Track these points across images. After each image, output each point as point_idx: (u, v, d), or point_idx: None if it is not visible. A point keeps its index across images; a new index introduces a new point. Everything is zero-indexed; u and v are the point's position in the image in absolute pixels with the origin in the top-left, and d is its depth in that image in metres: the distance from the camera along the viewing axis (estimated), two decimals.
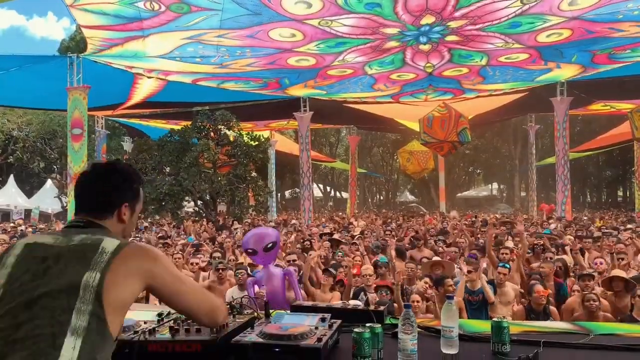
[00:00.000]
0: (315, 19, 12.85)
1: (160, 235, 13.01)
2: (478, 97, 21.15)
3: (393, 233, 12.29)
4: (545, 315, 5.37)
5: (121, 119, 24.32)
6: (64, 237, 1.59)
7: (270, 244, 5.15)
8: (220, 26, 12.76)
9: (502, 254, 7.43)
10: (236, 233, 12.74)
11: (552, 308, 5.51)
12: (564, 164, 18.81)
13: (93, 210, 1.73)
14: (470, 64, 17.52)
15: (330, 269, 6.14)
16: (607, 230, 12.08)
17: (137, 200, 1.84)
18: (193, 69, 16.37)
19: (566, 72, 18.01)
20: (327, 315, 2.28)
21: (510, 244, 9.12)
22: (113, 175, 1.79)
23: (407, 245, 10.19)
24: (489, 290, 5.91)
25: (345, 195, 44.23)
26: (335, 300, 5.71)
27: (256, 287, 5.12)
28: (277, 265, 5.67)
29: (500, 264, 6.57)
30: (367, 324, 2.05)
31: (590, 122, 36.41)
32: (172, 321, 2.29)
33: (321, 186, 51.97)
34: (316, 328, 2.10)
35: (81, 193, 1.78)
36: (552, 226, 13.99)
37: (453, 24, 13.63)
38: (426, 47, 15.48)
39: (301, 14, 12.48)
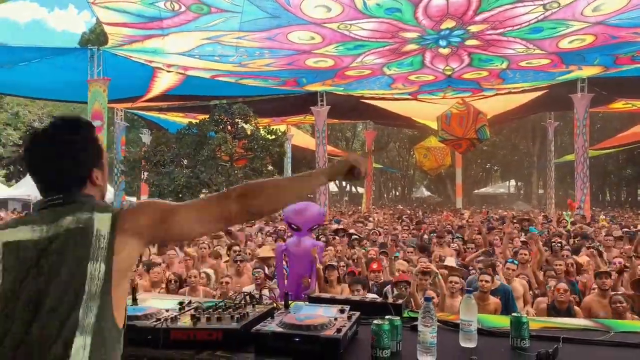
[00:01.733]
0: (335, 23, 12.83)
1: None
2: (497, 94, 20.94)
3: (411, 227, 12.28)
4: (569, 315, 5.28)
5: (140, 112, 24.52)
6: (46, 226, 1.40)
7: (316, 226, 5.38)
8: (240, 28, 12.80)
9: (521, 254, 7.38)
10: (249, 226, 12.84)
11: (577, 308, 5.40)
12: (584, 162, 18.55)
13: (66, 186, 1.49)
14: (490, 67, 17.38)
15: (333, 264, 6.17)
16: (628, 230, 11.84)
17: (103, 156, 1.60)
18: (212, 66, 16.47)
19: (587, 72, 17.77)
20: (346, 307, 2.30)
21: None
22: (76, 140, 1.52)
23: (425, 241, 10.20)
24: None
25: (360, 190, 44.14)
26: (345, 293, 5.77)
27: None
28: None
29: (509, 260, 6.55)
30: (387, 317, 2.07)
31: (610, 120, 35.90)
32: (194, 309, 2.33)
33: (337, 181, 51.97)
34: (335, 319, 2.12)
35: (43, 172, 1.51)
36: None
37: (473, 29, 13.50)
38: (446, 51, 15.38)
39: (320, 18, 12.46)
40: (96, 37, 33.83)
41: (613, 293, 5.26)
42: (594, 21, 12.71)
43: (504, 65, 17.09)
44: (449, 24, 13.03)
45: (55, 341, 1.29)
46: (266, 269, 6.68)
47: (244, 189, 1.55)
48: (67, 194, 1.47)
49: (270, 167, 20.03)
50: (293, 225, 5.67)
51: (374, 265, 6.67)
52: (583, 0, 11.49)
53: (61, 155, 1.49)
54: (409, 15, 12.36)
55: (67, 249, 1.36)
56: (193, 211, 1.52)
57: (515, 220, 14.36)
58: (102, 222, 1.39)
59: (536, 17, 12.55)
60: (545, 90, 19.99)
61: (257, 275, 6.13)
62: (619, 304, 4.91)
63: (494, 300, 5.52)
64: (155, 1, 11.17)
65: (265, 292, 5.12)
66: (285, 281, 5.80)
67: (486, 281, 5.54)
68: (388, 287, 5.82)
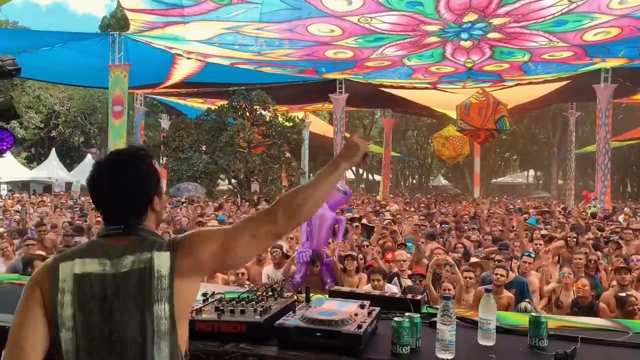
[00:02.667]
0: (355, 16, 12.74)
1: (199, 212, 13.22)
2: (518, 84, 20.69)
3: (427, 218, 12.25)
4: (592, 312, 5.16)
5: (159, 97, 24.71)
6: (111, 261, 1.47)
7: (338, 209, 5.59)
8: (260, 19, 12.82)
9: (536, 244, 7.35)
10: None
11: (602, 305, 5.28)
12: (605, 153, 18.28)
13: (128, 217, 1.56)
14: (511, 60, 17.17)
15: (353, 254, 6.20)
16: None
17: (160, 183, 1.68)
18: (231, 54, 16.54)
19: (611, 63, 17.46)
20: (367, 303, 2.34)
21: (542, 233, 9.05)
22: (141, 171, 1.60)
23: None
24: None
25: (377, 177, 44.09)
26: (362, 282, 5.83)
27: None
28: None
29: (526, 253, 6.51)
30: (407, 314, 2.11)
31: (633, 110, 35.18)
32: (217, 301, 2.39)
33: (354, 168, 51.89)
34: (356, 315, 2.16)
35: (110, 201, 1.57)
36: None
37: (496, 22, 13.34)
38: (467, 44, 15.24)
39: (341, 11, 12.39)
40: (117, 21, 33.99)
41: (627, 293, 5.19)
42: (620, 14, 12.47)
43: (526, 58, 16.88)
44: (471, 17, 12.88)
45: None
46: (284, 248, 6.74)
47: (286, 201, 1.60)
48: (127, 224, 1.54)
49: (287, 154, 20.08)
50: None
51: (388, 256, 6.69)
52: None
53: (127, 186, 1.56)
54: (430, 9, 12.25)
55: (133, 290, 1.45)
56: (247, 236, 1.57)
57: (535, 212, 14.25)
58: (161, 263, 1.47)
59: (560, 10, 12.34)
60: (568, 81, 19.69)
61: (275, 255, 6.24)
62: (634, 306, 4.82)
63: (507, 295, 5.50)
64: None
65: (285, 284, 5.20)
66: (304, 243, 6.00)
67: (501, 275, 5.53)
68: (395, 279, 5.84)
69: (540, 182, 51.01)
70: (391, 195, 29.67)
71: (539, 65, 17.78)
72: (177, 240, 1.54)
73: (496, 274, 5.53)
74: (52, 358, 1.47)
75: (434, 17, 12.86)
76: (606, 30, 13.77)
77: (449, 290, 5.35)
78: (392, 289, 5.31)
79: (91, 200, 1.64)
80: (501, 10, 12.49)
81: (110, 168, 1.59)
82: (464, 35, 14.51)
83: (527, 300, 5.16)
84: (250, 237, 1.56)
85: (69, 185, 29.00)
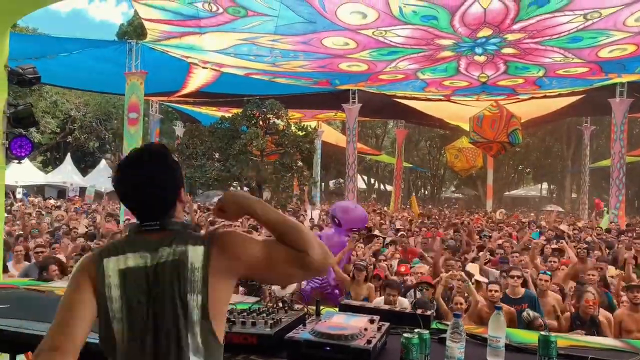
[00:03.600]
0: (370, 29, 12.80)
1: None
2: (532, 98, 20.62)
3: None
4: (593, 325, 5.23)
5: (174, 104, 24.94)
6: (150, 255, 1.57)
7: (356, 230, 5.81)
8: (275, 31, 12.89)
9: (550, 262, 7.30)
10: None
11: (602, 319, 5.30)
12: (620, 168, 18.08)
13: (161, 210, 1.64)
14: (526, 75, 17.13)
15: (361, 263, 6.21)
16: None
17: (182, 174, 1.77)
18: (246, 64, 16.66)
19: (627, 78, 17.36)
20: (376, 317, 2.36)
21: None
22: (166, 167, 1.68)
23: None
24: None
25: (389, 188, 43.96)
26: (370, 292, 5.85)
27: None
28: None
29: (542, 272, 6.45)
30: (416, 330, 2.12)
31: None
32: (228, 312, 2.42)
33: (365, 178, 51.84)
34: (365, 330, 2.18)
35: (143, 196, 1.64)
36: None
37: (510, 37, 13.29)
38: (481, 58, 15.21)
39: (356, 24, 12.45)
40: (133, 29, 34.47)
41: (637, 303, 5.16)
42: (636, 31, 12.38)
43: (541, 73, 16.83)
44: (485, 32, 12.87)
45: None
46: None
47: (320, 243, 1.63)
48: (161, 219, 1.63)
49: (300, 163, 20.14)
50: (336, 220, 5.81)
51: (402, 269, 6.70)
52: (626, 10, 11.19)
53: (155, 182, 1.64)
54: (445, 23, 12.25)
55: (169, 280, 1.54)
56: (285, 256, 1.59)
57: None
58: (195, 256, 1.56)
59: (576, 27, 12.28)
60: (583, 95, 19.58)
61: None
62: None
63: (508, 310, 5.48)
64: (194, 1, 11.36)
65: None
66: None
67: (495, 291, 5.53)
68: (411, 291, 5.86)
69: (554, 195, 50.57)
70: (403, 206, 29.56)
71: (554, 80, 17.71)
72: (213, 236, 1.62)
73: (490, 291, 5.54)
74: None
75: (448, 32, 12.86)
76: (622, 47, 13.69)
77: (460, 304, 5.34)
78: (405, 303, 5.31)
79: (120, 200, 1.70)
80: (516, 26, 12.45)
81: (139, 168, 1.65)
82: (478, 50, 14.49)
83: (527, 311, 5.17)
84: (287, 258, 1.57)
85: (83, 190, 29.31)
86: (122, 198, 1.66)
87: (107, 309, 1.53)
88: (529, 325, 4.90)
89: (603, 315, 5.46)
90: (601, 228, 14.93)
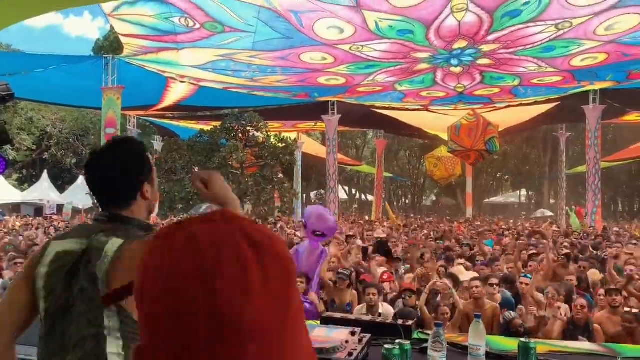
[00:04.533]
0: (347, 44, 12.92)
1: None
2: (508, 106, 20.97)
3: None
4: (587, 332, 5.13)
5: (152, 119, 24.76)
6: (85, 240, 1.57)
7: (320, 233, 5.71)
8: (253, 47, 12.95)
9: (530, 266, 7.37)
10: None
11: (596, 326, 5.24)
12: (595, 174, 18.44)
13: (117, 202, 1.65)
14: (501, 84, 17.45)
15: (344, 272, 6.20)
16: None
17: (153, 171, 1.75)
18: (224, 79, 16.66)
19: (600, 86, 17.78)
20: (357, 329, 2.35)
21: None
22: (129, 158, 1.67)
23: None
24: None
25: (370, 198, 44.13)
26: (353, 298, 5.86)
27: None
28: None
29: (522, 275, 6.53)
30: (397, 340, 2.12)
31: (622, 130, 35.60)
32: None
33: (346, 188, 51.98)
34: (347, 342, 2.17)
35: (100, 186, 1.66)
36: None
37: (485, 48, 13.57)
38: (457, 70, 15.46)
39: (333, 39, 12.56)
40: (110, 44, 34.22)
41: (626, 310, 5.19)
42: (606, 40, 12.71)
43: (516, 83, 17.16)
44: (460, 44, 13.09)
45: (92, 342, 1.47)
46: None
47: None
48: (115, 211, 1.64)
49: (280, 175, 20.13)
50: (318, 232, 5.75)
51: (385, 276, 6.70)
52: (595, 19, 11.50)
53: (112, 174, 1.64)
54: (420, 37, 12.43)
55: (86, 265, 1.52)
56: None
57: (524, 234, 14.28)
58: (111, 245, 1.52)
59: (548, 37, 12.56)
60: (557, 102, 19.97)
61: None
62: (629, 324, 4.84)
63: (491, 305, 5.57)
64: (170, 16, 11.33)
65: None
66: None
67: (476, 287, 5.61)
68: (399, 300, 5.87)
69: (533, 201, 51.27)
70: (384, 217, 29.66)
71: (529, 89, 18.07)
72: (136, 239, 1.55)
73: (471, 287, 5.62)
74: None
75: (424, 45, 13.04)
76: (593, 55, 14.02)
77: (447, 314, 5.35)
78: (390, 310, 5.32)
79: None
80: (490, 37, 12.69)
81: (100, 158, 1.67)
82: (454, 62, 14.72)
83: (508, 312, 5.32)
84: None
85: (60, 207, 28.85)
86: (89, 187, 1.68)
87: (35, 285, 1.55)
88: (510, 323, 5.09)
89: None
90: (578, 232, 15.15)
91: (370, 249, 9.37)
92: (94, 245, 1.54)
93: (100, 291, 1.47)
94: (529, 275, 6.54)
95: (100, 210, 1.68)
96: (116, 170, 1.63)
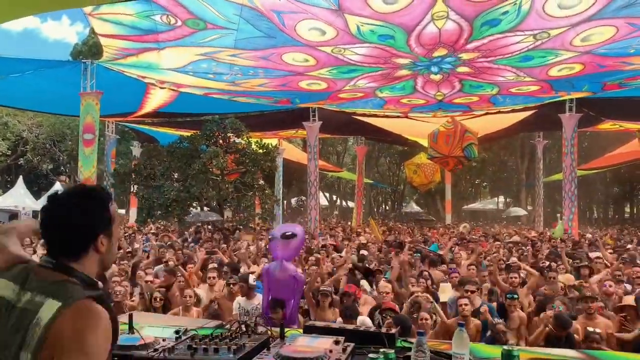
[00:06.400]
0: (329, 47, 12.96)
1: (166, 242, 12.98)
2: (487, 113, 21.24)
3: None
4: (569, 343, 4.97)
5: (131, 124, 24.51)
6: (19, 291, 1.47)
7: (290, 233, 5.28)
8: (235, 45, 12.86)
9: (511, 278, 7.40)
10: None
11: (577, 337, 5.21)
12: (571, 181, 18.75)
13: (66, 252, 1.54)
14: (480, 93, 17.68)
15: (327, 289, 6.10)
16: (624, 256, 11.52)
17: (112, 224, 1.63)
18: (205, 84, 16.55)
19: (576, 96, 18.15)
20: (341, 338, 2.34)
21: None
22: (89, 207, 1.57)
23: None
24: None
25: (351, 204, 44.20)
26: (335, 316, 5.79)
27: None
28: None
29: (509, 295, 6.26)
30: (381, 349, 2.11)
31: (598, 138, 36.34)
32: (190, 339, 2.36)
33: (327, 195, 52.01)
34: (330, 351, 2.15)
35: (50, 232, 1.56)
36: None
37: (465, 56, 13.70)
38: (437, 77, 15.61)
39: (315, 41, 12.58)
40: (88, 49, 33.85)
41: (589, 329, 5.12)
42: (582, 50, 12.96)
43: (495, 91, 17.40)
44: (441, 51, 13.21)
45: None
46: (251, 279, 6.64)
47: None
48: (62, 261, 1.53)
49: (261, 182, 20.04)
50: (287, 233, 5.37)
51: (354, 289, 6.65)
52: (572, 31, 11.71)
53: (70, 219, 1.54)
54: (401, 43, 12.51)
55: (14, 328, 1.41)
56: None
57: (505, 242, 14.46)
58: (46, 311, 1.40)
59: (527, 47, 12.76)
60: (535, 110, 20.28)
61: (241, 286, 6.21)
62: (595, 343, 4.72)
63: (474, 323, 5.58)
64: (151, 14, 11.20)
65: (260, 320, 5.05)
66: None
67: (465, 304, 5.61)
68: (377, 314, 5.82)
69: (510, 208, 51.90)
70: (367, 222, 29.74)
71: (507, 98, 18.34)
72: (78, 302, 1.43)
73: (460, 305, 5.62)
74: None
75: (405, 51, 13.13)
76: (570, 66, 14.29)
77: (426, 319, 5.35)
78: (367, 322, 5.29)
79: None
80: (470, 46, 12.83)
81: (56, 199, 1.57)
82: (434, 69, 14.86)
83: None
84: None
85: (36, 213, 28.29)
86: (41, 230, 1.59)
87: None
88: (492, 328, 5.12)
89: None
90: (556, 239, 15.35)
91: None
92: (27, 307, 1.43)
93: None
94: (515, 296, 6.30)
95: (47, 254, 1.56)
96: (71, 219, 1.53)
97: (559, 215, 23.09)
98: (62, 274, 1.50)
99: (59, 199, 1.58)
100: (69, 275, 1.50)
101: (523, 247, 12.52)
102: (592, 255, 10.61)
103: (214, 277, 7.28)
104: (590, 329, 5.04)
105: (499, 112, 20.92)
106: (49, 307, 1.39)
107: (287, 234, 5.30)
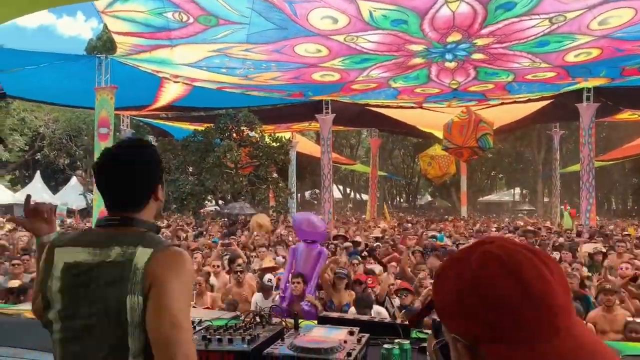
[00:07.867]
0: (341, 35, 12.86)
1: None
2: (502, 103, 20.99)
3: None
4: None
5: (146, 119, 24.66)
6: (100, 251, 1.49)
7: (310, 241, 6.02)
8: (247, 40, 12.83)
9: None
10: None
11: (590, 325, 5.21)
12: (589, 172, 18.48)
13: (130, 205, 1.59)
14: (496, 80, 17.44)
15: (342, 272, 6.19)
16: None
17: (163, 174, 1.72)
18: (218, 78, 16.56)
19: (593, 82, 17.79)
20: (356, 329, 2.32)
21: None
22: (143, 161, 1.62)
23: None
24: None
25: (365, 197, 44.14)
26: (352, 299, 5.85)
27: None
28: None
29: None
30: (396, 340, 2.09)
31: (616, 128, 35.81)
32: (204, 329, 2.36)
33: (341, 187, 52.00)
34: (345, 342, 2.14)
35: (112, 188, 1.60)
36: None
37: (479, 42, 13.51)
38: (452, 65, 15.41)
39: (327, 30, 12.49)
40: (103, 44, 34.06)
41: (629, 319, 5.08)
42: (600, 34, 12.70)
43: (510, 79, 17.15)
44: (455, 37, 13.04)
45: None
46: (269, 278, 6.71)
47: None
48: (126, 214, 1.57)
49: (275, 175, 20.10)
50: (308, 240, 6.03)
51: (369, 281, 6.66)
52: (589, 13, 11.47)
53: (132, 173, 1.59)
54: (415, 27, 12.36)
55: (111, 281, 1.45)
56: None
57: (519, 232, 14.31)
58: (141, 257, 1.45)
59: (542, 31, 12.53)
60: (551, 100, 20.00)
61: (265, 285, 6.26)
62: (635, 333, 4.68)
63: None
64: (164, 11, 11.23)
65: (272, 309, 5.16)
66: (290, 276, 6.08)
67: None
68: (387, 299, 5.86)
69: (527, 199, 51.45)
70: (381, 214, 29.68)
71: (523, 85, 18.08)
72: (165, 248, 1.49)
73: None
74: None
75: (418, 36, 12.99)
76: (587, 51, 14.03)
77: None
78: (382, 312, 5.29)
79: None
80: (485, 31, 12.65)
81: (115, 155, 1.61)
82: (449, 56, 14.68)
83: None
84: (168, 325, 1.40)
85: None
86: (98, 188, 1.62)
87: (47, 296, 1.51)
88: None
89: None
90: (570, 230, 15.18)
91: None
92: (119, 259, 1.46)
93: (130, 309, 1.41)
94: None
95: (108, 211, 1.61)
96: (133, 173, 1.58)
97: (562, 207, 22.84)
98: (131, 226, 1.56)
99: (118, 154, 1.61)
100: (140, 227, 1.57)
101: (535, 239, 12.39)
102: (587, 247, 10.36)
103: (217, 266, 7.83)
104: (630, 318, 4.97)
105: (515, 102, 20.66)
106: (143, 254, 1.46)
107: (307, 241, 6.01)
